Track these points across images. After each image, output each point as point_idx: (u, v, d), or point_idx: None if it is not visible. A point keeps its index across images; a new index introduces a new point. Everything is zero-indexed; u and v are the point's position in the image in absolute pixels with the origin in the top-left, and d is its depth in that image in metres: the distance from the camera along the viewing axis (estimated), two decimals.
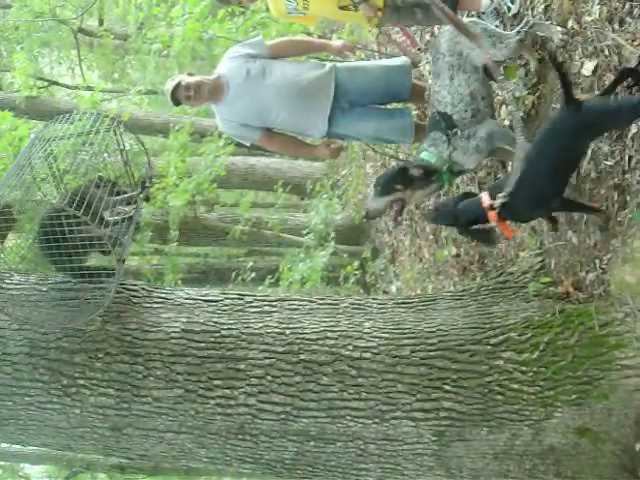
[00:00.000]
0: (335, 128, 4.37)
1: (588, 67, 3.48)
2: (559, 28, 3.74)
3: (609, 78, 3.31)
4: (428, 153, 3.62)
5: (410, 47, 4.75)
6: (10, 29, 11.80)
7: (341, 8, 4.10)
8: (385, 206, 3.63)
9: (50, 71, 15.53)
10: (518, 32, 3.77)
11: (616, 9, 3.32)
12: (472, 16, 4.16)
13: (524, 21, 3.89)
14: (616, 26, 3.33)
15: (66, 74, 15.58)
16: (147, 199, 3.93)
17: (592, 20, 3.46)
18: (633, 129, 3.21)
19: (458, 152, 3.60)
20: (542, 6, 3.88)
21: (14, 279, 3.63)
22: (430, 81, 3.89)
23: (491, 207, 3.22)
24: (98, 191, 3.54)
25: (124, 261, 3.44)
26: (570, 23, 3.62)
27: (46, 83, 12.14)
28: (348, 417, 3.28)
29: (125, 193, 3.78)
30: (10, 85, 12.56)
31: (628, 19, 3.26)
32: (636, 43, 3.20)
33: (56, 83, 12.83)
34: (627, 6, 3.26)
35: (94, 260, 3.64)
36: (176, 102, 4.31)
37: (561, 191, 3.26)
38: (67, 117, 3.81)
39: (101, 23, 12.22)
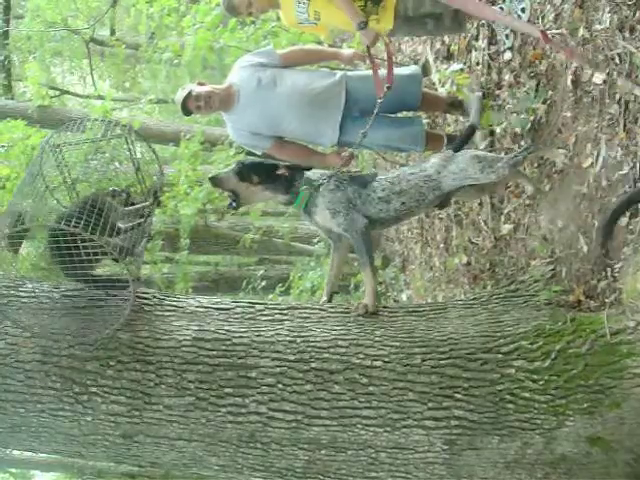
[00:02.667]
0: (346, 136, 4.38)
1: (599, 75, 3.48)
2: (561, 150, 3.69)
3: (620, 86, 3.31)
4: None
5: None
6: (23, 39, 11.93)
7: None
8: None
9: (62, 80, 15.63)
10: (515, 156, 3.73)
11: (627, 17, 3.33)
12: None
13: (523, 146, 3.86)
14: (627, 34, 3.34)
15: (78, 83, 15.68)
16: (159, 204, 3.93)
17: (603, 28, 3.47)
18: None
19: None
20: (552, 14, 3.88)
21: (27, 287, 3.64)
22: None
23: None
24: (112, 200, 3.56)
25: (139, 279, 3.43)
26: (581, 31, 3.63)
27: (58, 92, 12.24)
28: (359, 425, 3.27)
29: (136, 203, 3.79)
30: (22, 94, 12.66)
31: (639, 27, 3.27)
32: None
33: (68, 92, 12.93)
34: (637, 14, 3.27)
35: (107, 268, 3.64)
36: (187, 112, 4.34)
37: None
38: (77, 123, 3.82)
39: (113, 33, 12.30)
